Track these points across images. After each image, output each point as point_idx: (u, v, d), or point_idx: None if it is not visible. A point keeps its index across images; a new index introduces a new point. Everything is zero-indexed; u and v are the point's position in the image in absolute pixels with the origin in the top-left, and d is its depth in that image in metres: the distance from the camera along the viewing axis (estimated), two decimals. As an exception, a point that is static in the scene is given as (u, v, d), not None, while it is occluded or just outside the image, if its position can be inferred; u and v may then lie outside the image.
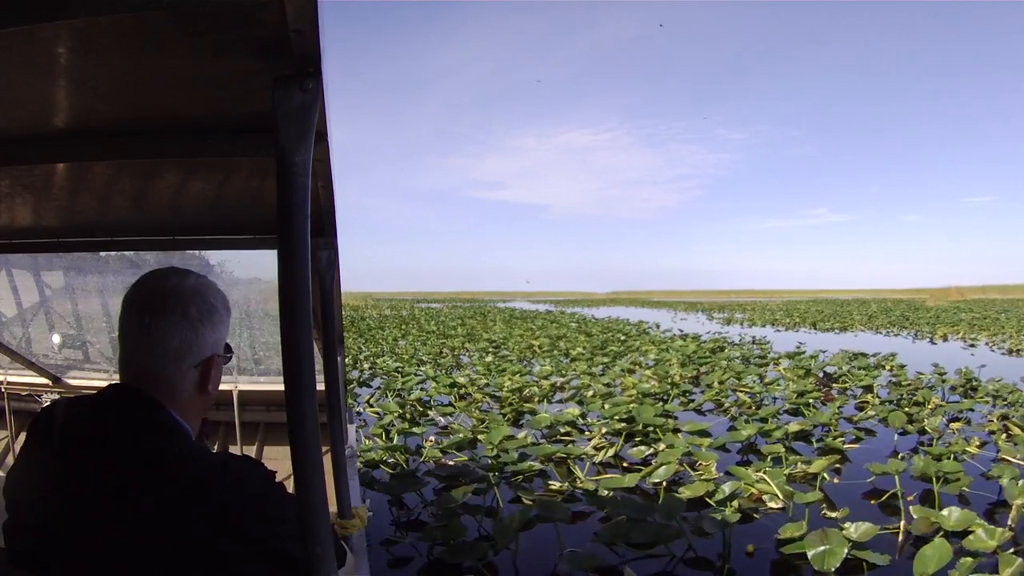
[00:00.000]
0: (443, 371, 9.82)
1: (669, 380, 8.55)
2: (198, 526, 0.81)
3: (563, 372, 9.74)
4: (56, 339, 2.90)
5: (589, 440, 5.50)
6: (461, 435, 5.43)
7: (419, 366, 10.51)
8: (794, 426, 5.64)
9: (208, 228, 1.67)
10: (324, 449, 0.87)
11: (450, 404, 7.20)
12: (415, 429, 5.63)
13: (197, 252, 2.25)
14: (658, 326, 21.58)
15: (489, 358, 11.66)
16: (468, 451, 5.19)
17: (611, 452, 5.10)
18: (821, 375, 9.26)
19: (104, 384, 2.90)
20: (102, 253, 2.53)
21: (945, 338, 17.18)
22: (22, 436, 2.71)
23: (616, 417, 6.00)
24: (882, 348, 12.89)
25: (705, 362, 10.55)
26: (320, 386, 1.65)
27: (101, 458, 0.84)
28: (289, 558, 0.84)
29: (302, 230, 0.70)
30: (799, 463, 4.59)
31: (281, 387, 0.72)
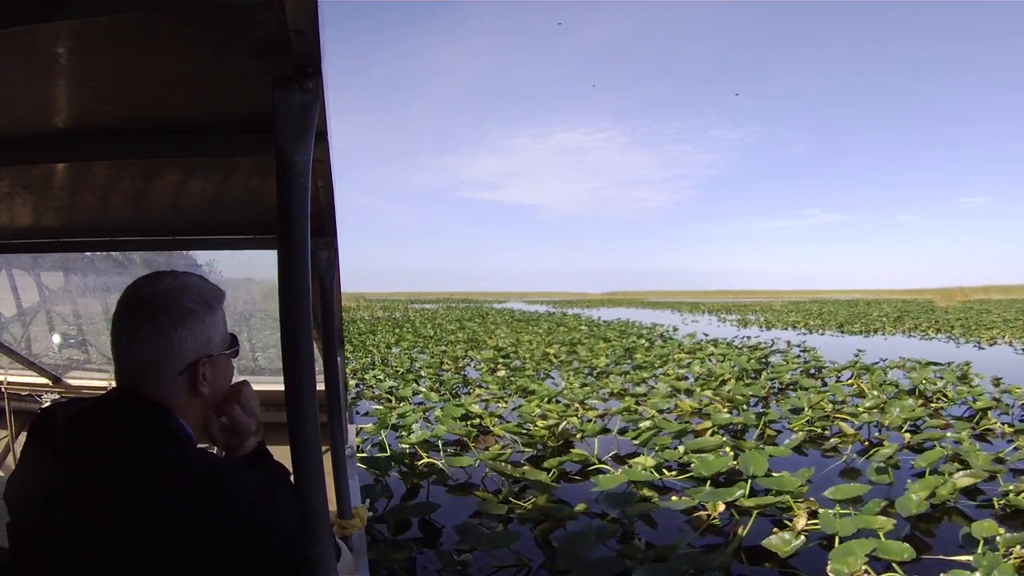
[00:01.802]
0: (448, 391, 8.19)
1: (742, 402, 6.91)
2: (201, 532, 0.81)
3: (595, 391, 7.90)
4: (56, 339, 2.90)
5: (687, 515, 3.79)
6: (500, 531, 3.55)
7: (417, 382, 8.87)
8: (964, 479, 3.99)
9: (208, 228, 1.67)
10: (324, 449, 0.87)
11: (463, 445, 5.49)
12: (425, 507, 3.82)
13: (185, 252, 2.24)
14: (675, 329, 20.09)
15: (501, 372, 9.93)
16: (512, 549, 3.32)
17: (735, 541, 3.42)
18: (910, 392, 7.64)
19: (104, 384, 2.88)
20: (102, 253, 2.53)
21: (992, 342, 15.87)
22: (22, 436, 2.71)
23: (714, 474, 4.25)
24: (932, 354, 11.47)
25: (767, 375, 8.82)
26: (320, 386, 1.65)
27: (103, 461, 0.84)
28: (292, 562, 0.85)
29: (302, 230, 0.70)
30: (1015, 546, 3.02)
31: (281, 387, 0.72)
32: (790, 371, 9.48)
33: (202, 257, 2.36)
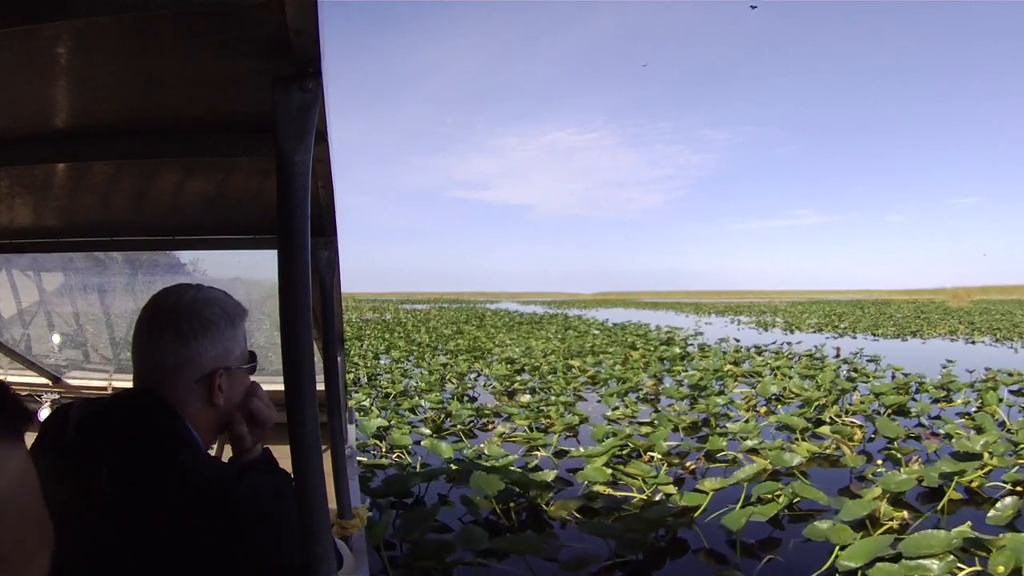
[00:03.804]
0: (460, 430, 6.10)
1: (901, 453, 4.97)
2: (209, 538, 0.82)
3: (663, 424, 5.92)
4: (56, 339, 2.89)
5: None
6: None
7: (414, 412, 6.85)
8: None
9: (208, 228, 1.67)
10: (324, 449, 0.87)
11: (504, 541, 3.38)
12: None
13: (168, 251, 2.23)
14: (700, 334, 18.32)
15: (524, 396, 7.75)
16: None
17: None
18: None
19: (103, 384, 2.87)
20: (102, 253, 2.52)
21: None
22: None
23: None
24: (1000, 362, 10.41)
25: (863, 396, 7.14)
26: (320, 386, 1.65)
27: (112, 459, 0.84)
28: (290, 569, 0.85)
29: (302, 230, 0.70)
30: None
31: (281, 387, 0.72)
32: (880, 390, 7.56)
33: (185, 256, 2.35)
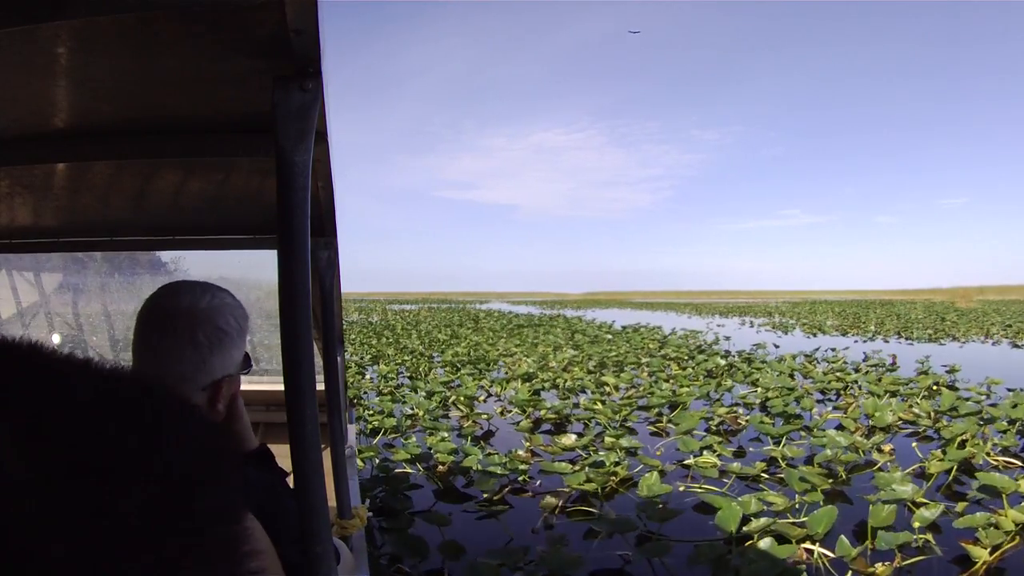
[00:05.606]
0: (487, 494, 4.23)
1: None
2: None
3: (776, 484, 4.36)
4: (56, 339, 2.89)
5: None
6: None
7: (417, 463, 4.77)
8: None
9: (208, 228, 1.67)
10: (323, 448, 0.87)
11: None
12: None
13: (163, 251, 2.21)
14: (726, 338, 16.16)
15: (566, 437, 5.56)
16: None
17: None
18: None
19: (104, 384, 2.85)
20: (102, 253, 2.52)
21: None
22: None
23: None
24: None
25: (998, 425, 5.68)
26: (320, 386, 1.65)
27: None
28: (288, 565, 0.85)
29: (302, 230, 0.70)
30: None
31: (281, 387, 0.72)
32: (1017, 415, 5.96)
33: (167, 255, 2.32)
